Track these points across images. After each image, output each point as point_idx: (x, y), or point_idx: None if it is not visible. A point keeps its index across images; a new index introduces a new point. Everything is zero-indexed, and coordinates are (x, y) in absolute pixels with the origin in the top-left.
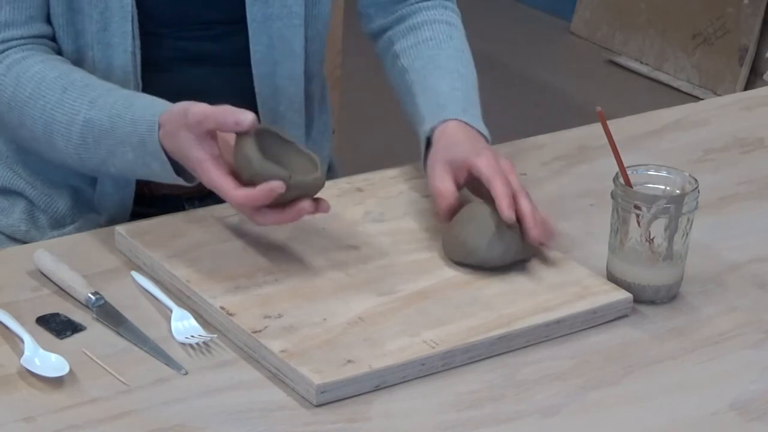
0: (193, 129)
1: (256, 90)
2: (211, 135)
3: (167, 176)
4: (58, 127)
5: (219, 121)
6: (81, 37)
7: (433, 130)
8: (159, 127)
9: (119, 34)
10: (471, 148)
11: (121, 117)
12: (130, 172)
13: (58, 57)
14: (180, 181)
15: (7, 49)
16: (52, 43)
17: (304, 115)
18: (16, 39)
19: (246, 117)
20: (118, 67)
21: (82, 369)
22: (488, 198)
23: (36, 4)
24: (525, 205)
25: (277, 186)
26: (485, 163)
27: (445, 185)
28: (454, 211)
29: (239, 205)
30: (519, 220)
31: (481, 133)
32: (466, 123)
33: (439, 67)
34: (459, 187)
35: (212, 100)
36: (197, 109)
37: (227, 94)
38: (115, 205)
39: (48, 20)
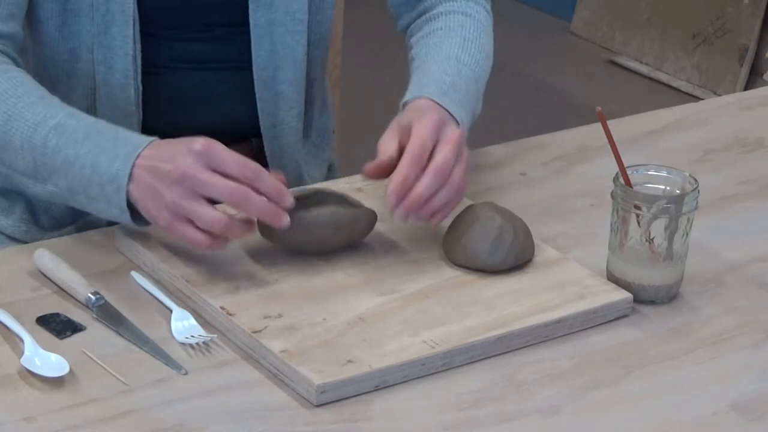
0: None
1: (257, 94)
2: None
3: (112, 203)
4: (21, 125)
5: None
6: (76, 38)
7: (405, 104)
8: (147, 145)
9: (120, 37)
10: (426, 115)
11: (101, 132)
12: (69, 193)
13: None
14: (123, 217)
15: None
16: (15, 53)
17: (302, 120)
18: None
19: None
20: (117, 70)
21: (82, 369)
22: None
23: (17, 1)
24: (424, 182)
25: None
26: (420, 126)
27: (385, 145)
28: (384, 170)
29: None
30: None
31: (454, 117)
32: (439, 104)
33: (439, 53)
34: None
35: (213, 103)
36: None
37: (228, 98)
38: None
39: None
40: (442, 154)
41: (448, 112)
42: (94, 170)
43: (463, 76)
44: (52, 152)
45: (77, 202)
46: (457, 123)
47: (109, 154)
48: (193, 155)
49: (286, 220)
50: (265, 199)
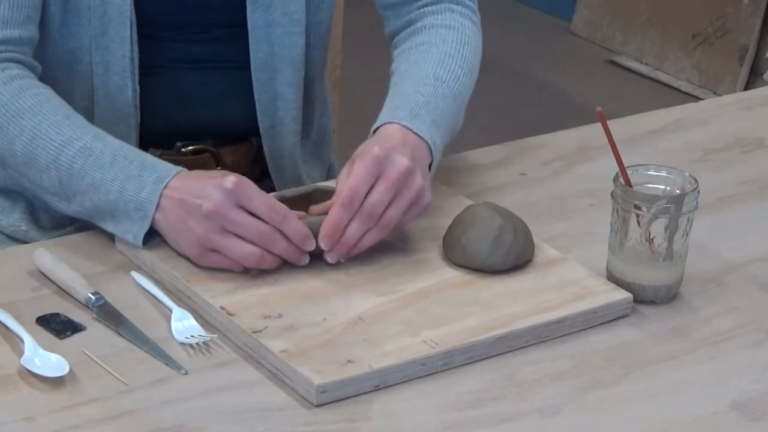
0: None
1: (256, 95)
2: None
3: (134, 227)
4: (47, 144)
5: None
6: (76, 39)
7: (375, 130)
8: (175, 175)
9: (117, 39)
10: (371, 149)
11: (127, 158)
12: (95, 213)
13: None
14: (137, 240)
15: (6, 55)
16: (32, 59)
17: (300, 122)
18: (14, 41)
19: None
20: (115, 72)
21: (82, 369)
22: None
23: (33, 4)
24: (353, 226)
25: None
26: (358, 166)
27: (341, 183)
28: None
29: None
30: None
31: (425, 141)
32: (408, 128)
33: (417, 71)
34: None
35: (212, 103)
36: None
37: (227, 98)
38: None
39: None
40: (375, 196)
41: (419, 136)
42: (120, 196)
43: (440, 94)
44: (78, 175)
45: (102, 222)
46: (428, 146)
47: (135, 181)
48: (223, 192)
49: (305, 259)
50: (287, 243)
